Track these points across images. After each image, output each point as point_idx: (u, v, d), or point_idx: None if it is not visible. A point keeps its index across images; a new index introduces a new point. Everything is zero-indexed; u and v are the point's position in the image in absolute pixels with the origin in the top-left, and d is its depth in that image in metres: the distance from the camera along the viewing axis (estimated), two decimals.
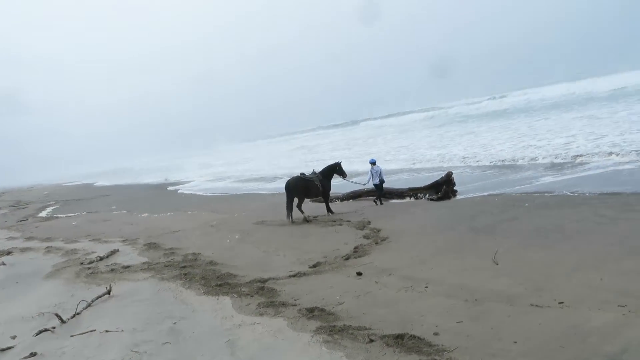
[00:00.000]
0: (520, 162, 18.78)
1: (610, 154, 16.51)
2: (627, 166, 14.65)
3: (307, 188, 14.78)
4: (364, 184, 16.04)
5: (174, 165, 68.99)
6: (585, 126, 25.18)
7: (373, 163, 15.91)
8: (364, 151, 36.61)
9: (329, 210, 14.90)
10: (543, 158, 18.49)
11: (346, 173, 15.35)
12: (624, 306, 5.53)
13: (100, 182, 61.04)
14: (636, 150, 16.14)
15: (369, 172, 15.75)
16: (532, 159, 18.73)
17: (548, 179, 14.67)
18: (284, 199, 14.61)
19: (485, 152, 23.02)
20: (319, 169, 15.48)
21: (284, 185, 14.97)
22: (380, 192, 15.77)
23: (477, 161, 21.12)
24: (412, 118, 75.27)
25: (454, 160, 22.79)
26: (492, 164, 19.81)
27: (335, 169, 15.18)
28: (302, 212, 14.63)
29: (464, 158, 22.75)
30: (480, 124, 41.93)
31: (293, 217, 14.36)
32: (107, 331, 6.84)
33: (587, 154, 17.20)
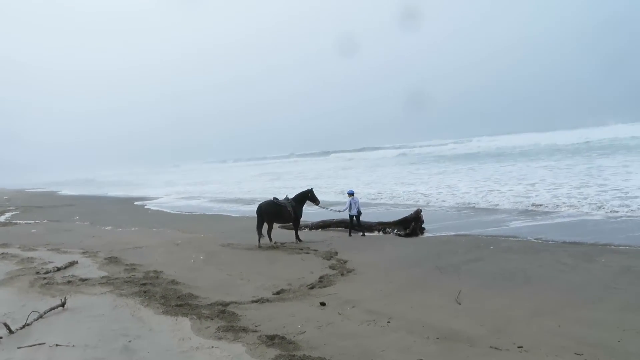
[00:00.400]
0: (484, 206, 19.14)
1: (571, 206, 17.02)
2: (588, 217, 15.09)
3: (279, 213, 14.79)
4: (341, 211, 16.00)
5: (139, 181, 68.25)
6: (547, 175, 26.33)
7: (351, 194, 15.95)
8: (332, 182, 36.82)
9: (297, 237, 14.84)
10: (509, 204, 18.89)
11: (319, 200, 15.42)
12: (580, 354, 5.62)
13: (65, 191, 59.55)
14: (593, 204, 16.69)
15: (348, 203, 15.73)
16: (495, 204, 19.14)
17: (514, 224, 14.97)
18: (253, 222, 14.51)
19: (451, 193, 23.43)
20: (291, 195, 15.51)
21: (253, 208, 14.90)
22: (358, 223, 15.72)
23: (442, 201, 21.49)
24: (384, 154, 76.58)
25: (418, 197, 23.12)
26: (457, 204, 20.13)
27: (308, 196, 15.26)
28: (270, 238, 14.52)
29: (428, 196, 23.28)
30: (450, 165, 43.00)
31: (261, 242, 14.24)
32: (57, 345, 6.58)
33: (549, 204, 17.68)
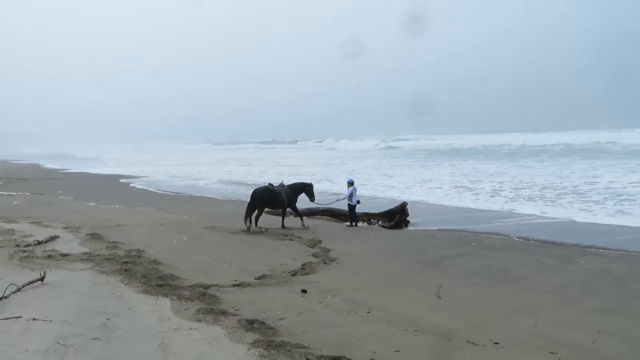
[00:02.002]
0: (468, 201, 19.33)
1: (551, 205, 17.28)
2: (571, 219, 15.24)
3: (273, 199, 14.81)
4: (339, 200, 15.86)
5: (118, 159, 67.75)
6: (523, 175, 27.12)
7: (351, 183, 15.68)
8: (307, 170, 36.88)
9: (283, 224, 14.87)
10: (488, 201, 19.09)
11: (315, 197, 15.38)
12: (554, 353, 5.71)
13: (50, 165, 58.83)
14: (576, 206, 16.94)
15: (348, 191, 15.40)
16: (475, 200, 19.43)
17: (497, 222, 15.09)
18: (238, 206, 14.46)
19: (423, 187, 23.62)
20: (287, 182, 15.60)
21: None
22: (354, 214, 15.53)
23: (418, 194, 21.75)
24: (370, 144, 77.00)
25: (391, 191, 23.25)
26: (441, 198, 20.31)
27: (305, 189, 15.26)
28: (256, 224, 14.52)
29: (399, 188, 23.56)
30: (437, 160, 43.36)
31: (247, 227, 14.23)
32: (34, 319, 6.54)
33: (529, 204, 17.99)
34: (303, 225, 14.72)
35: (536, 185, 22.74)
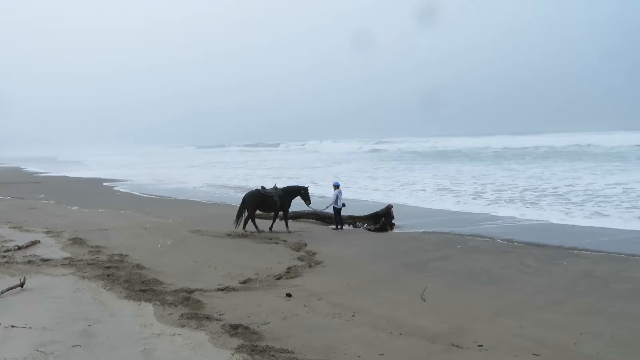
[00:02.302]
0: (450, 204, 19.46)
1: (531, 207, 17.49)
2: (554, 221, 15.41)
3: (264, 202, 14.83)
4: (327, 207, 15.75)
5: (105, 162, 67.11)
6: (506, 177, 27.67)
7: (337, 186, 15.61)
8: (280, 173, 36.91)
9: (271, 227, 14.86)
10: (471, 204, 19.25)
11: (310, 200, 15.29)
12: (538, 355, 5.75)
13: (31, 168, 58.00)
14: (559, 208, 17.14)
15: (334, 195, 15.35)
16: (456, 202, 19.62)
17: (482, 224, 15.20)
18: (223, 209, 14.39)
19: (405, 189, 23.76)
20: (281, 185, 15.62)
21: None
22: (340, 217, 15.48)
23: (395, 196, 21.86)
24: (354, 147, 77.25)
25: (375, 194, 23.37)
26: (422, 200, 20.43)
27: (301, 192, 15.18)
28: (244, 227, 14.50)
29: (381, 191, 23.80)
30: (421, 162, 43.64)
31: (236, 229, 14.33)
32: (12, 326, 6.40)
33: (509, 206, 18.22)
34: (287, 229, 14.69)
35: (517, 188, 23.08)
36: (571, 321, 6.91)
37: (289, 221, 15.16)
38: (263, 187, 15.23)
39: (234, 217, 14.48)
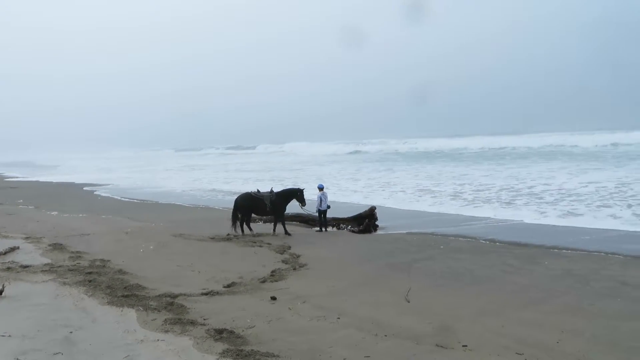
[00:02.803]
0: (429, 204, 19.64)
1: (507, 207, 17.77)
2: (534, 220, 15.63)
3: (254, 206, 14.92)
4: (314, 212, 15.60)
5: (83, 166, 66.26)
6: (485, 177, 28.14)
7: (321, 188, 15.55)
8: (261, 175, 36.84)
9: (274, 230, 14.83)
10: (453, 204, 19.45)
11: (305, 202, 15.22)
12: (521, 354, 5.82)
13: (9, 173, 56.98)
14: (540, 208, 17.42)
15: (318, 198, 15.33)
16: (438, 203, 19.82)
17: (464, 225, 15.33)
18: (206, 213, 14.34)
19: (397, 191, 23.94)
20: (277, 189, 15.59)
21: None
22: (324, 219, 15.50)
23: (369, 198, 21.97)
24: (337, 149, 77.31)
25: (356, 195, 23.50)
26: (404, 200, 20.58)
27: (296, 195, 15.12)
28: (242, 230, 14.70)
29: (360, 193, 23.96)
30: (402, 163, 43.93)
31: (238, 230, 14.58)
32: None
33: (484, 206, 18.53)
34: (273, 232, 14.69)
35: (495, 188, 23.34)
36: (552, 320, 7.01)
37: (283, 225, 15.04)
38: (258, 190, 15.30)
39: (217, 221, 14.46)
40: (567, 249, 11.66)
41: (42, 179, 44.70)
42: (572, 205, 17.58)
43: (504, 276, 9.53)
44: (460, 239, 13.25)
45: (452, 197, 21.20)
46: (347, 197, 22.70)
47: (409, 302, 7.90)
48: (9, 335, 6.30)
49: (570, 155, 43.53)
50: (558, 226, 14.64)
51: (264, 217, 16.15)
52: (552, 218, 15.78)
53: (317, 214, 15.56)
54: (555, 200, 18.92)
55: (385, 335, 6.44)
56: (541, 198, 19.60)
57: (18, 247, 11.93)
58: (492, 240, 12.86)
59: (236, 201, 15.08)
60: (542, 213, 16.64)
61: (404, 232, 14.58)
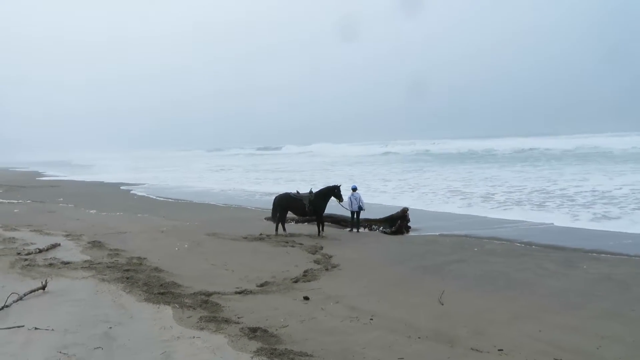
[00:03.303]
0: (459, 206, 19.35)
1: (555, 209, 17.33)
2: (572, 224, 15.24)
3: (292, 206, 15.14)
4: (349, 209, 15.71)
5: (120, 166, 67.76)
6: (517, 179, 26.68)
7: (354, 189, 15.75)
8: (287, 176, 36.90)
9: (319, 231, 14.88)
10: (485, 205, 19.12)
11: (343, 198, 15.23)
12: None
13: (49, 172, 58.86)
14: (577, 210, 16.98)
15: (349, 198, 15.47)
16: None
17: (498, 227, 15.07)
18: (238, 213, 14.47)
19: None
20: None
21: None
22: (357, 219, 15.61)
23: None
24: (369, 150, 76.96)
25: (382, 196, 23.31)
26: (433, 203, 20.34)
27: (334, 192, 15.14)
28: (284, 228, 14.94)
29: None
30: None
31: (282, 230, 14.83)
32: (36, 328, 6.52)
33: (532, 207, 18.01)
34: (319, 233, 14.75)
35: (527, 189, 22.85)
36: (591, 325, 6.84)
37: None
38: (297, 192, 15.49)
39: (250, 220, 14.63)
40: (605, 252, 11.34)
41: (80, 178, 46.01)
42: (606, 208, 17.08)
43: (540, 280, 9.33)
44: (494, 241, 13.04)
45: (483, 199, 20.88)
46: (376, 198, 22.55)
47: (442, 304, 7.82)
48: (52, 329, 6.52)
49: (606, 156, 42.28)
50: (595, 230, 14.23)
51: (298, 218, 16.24)
52: (585, 221, 15.35)
53: (350, 214, 15.61)
54: (587, 202, 18.39)
55: (419, 338, 6.40)
56: (573, 200, 19.13)
57: (59, 244, 12.33)
58: (527, 243, 12.61)
59: (274, 201, 15.36)
60: (574, 216, 16.22)
61: (437, 234, 14.44)
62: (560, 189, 22.26)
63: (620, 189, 21.06)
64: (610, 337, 6.38)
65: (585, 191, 21.07)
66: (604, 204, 17.92)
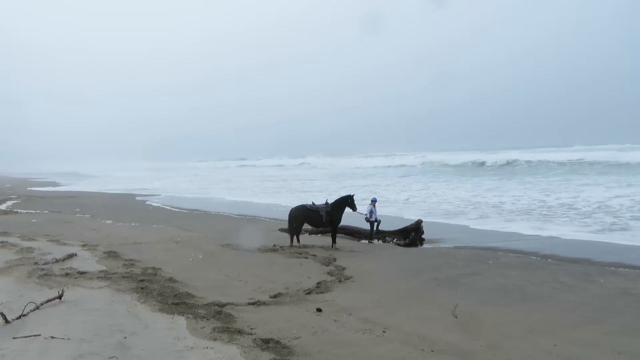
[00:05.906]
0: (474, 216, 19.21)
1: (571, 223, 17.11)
2: (589, 237, 15.05)
3: (308, 217, 15.12)
4: (366, 216, 15.79)
5: (135, 177, 68.38)
6: (531, 191, 26.24)
7: (374, 201, 15.96)
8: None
9: (333, 242, 14.85)
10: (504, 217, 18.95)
11: (357, 207, 15.26)
12: None
13: (67, 183, 59.68)
14: (594, 223, 16.74)
15: (368, 209, 15.63)
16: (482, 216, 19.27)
17: (514, 240, 14.94)
18: (252, 224, 14.54)
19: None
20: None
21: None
22: (374, 231, 15.75)
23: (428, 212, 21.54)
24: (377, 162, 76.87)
25: (393, 207, 23.18)
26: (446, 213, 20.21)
27: (348, 202, 15.20)
28: (298, 240, 14.87)
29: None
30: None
31: (297, 241, 14.79)
32: (52, 337, 6.59)
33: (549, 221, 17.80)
34: (333, 245, 14.70)
35: (545, 201, 22.62)
36: (609, 340, 6.73)
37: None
38: (313, 203, 15.52)
39: (263, 232, 14.67)
40: (624, 266, 11.17)
41: (96, 189, 46.57)
42: (627, 221, 16.87)
43: (556, 294, 9.21)
44: (509, 254, 12.92)
45: (499, 211, 20.76)
46: (387, 209, 22.52)
47: (456, 317, 7.77)
48: (68, 339, 6.60)
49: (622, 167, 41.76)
50: (613, 243, 14.04)
51: (311, 229, 16.29)
52: (603, 234, 15.18)
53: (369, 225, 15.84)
54: (607, 215, 18.20)
55: (432, 351, 6.35)
56: (593, 213, 18.92)
57: (75, 254, 12.48)
58: (543, 256, 12.48)
59: (290, 213, 15.34)
60: (593, 229, 16.05)
61: (451, 246, 14.36)
62: (582, 202, 22.03)
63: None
64: (628, 352, 6.28)
65: (606, 204, 20.82)
66: (630, 218, 17.67)
